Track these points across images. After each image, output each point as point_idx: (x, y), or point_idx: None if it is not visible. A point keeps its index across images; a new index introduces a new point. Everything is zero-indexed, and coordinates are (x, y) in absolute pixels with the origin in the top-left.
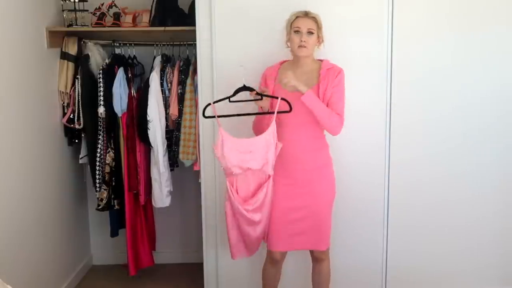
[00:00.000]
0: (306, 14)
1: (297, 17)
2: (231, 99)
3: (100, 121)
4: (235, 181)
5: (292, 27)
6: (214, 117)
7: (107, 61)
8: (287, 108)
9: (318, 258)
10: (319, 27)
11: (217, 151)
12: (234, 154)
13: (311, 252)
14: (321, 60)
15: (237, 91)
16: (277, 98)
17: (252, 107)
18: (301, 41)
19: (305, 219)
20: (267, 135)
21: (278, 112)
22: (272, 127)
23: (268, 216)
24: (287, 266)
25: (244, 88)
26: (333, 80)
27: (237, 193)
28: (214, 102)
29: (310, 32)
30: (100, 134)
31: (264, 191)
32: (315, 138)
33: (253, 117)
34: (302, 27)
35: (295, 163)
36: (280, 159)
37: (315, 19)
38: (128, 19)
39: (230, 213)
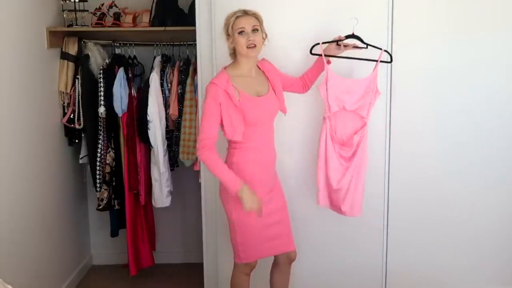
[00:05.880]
0: (245, 12)
1: (237, 17)
2: (339, 43)
3: (101, 121)
4: (333, 122)
5: (235, 29)
6: (320, 55)
7: (107, 61)
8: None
9: (290, 259)
10: (260, 22)
11: (322, 89)
12: (334, 90)
13: (281, 255)
14: None
15: (347, 37)
16: (380, 48)
17: None
18: (249, 40)
19: (279, 222)
20: (369, 80)
21: (381, 61)
22: (375, 74)
23: (359, 177)
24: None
25: (353, 36)
26: (273, 69)
27: (334, 134)
28: (323, 43)
29: (255, 30)
30: (100, 134)
31: (360, 134)
32: (273, 138)
33: None
34: (246, 26)
35: (270, 168)
36: (258, 167)
37: (255, 15)
38: (128, 19)
39: (323, 154)
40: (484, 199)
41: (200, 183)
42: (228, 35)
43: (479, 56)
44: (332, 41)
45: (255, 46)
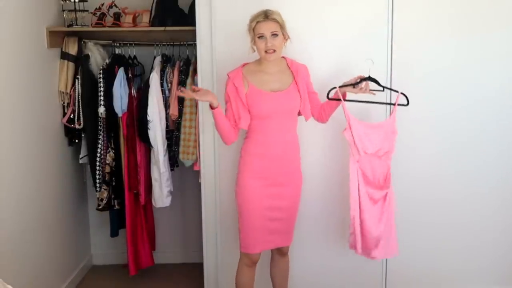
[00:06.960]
0: (266, 17)
1: (257, 22)
2: (356, 86)
3: (100, 121)
4: (362, 164)
5: (255, 34)
6: (339, 99)
7: (107, 61)
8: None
9: (283, 252)
10: (282, 26)
11: (347, 134)
12: (356, 134)
13: (277, 248)
14: (283, 57)
15: (362, 80)
16: (396, 91)
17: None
18: (267, 46)
19: (284, 218)
20: (388, 125)
21: (398, 105)
22: (393, 118)
23: (391, 220)
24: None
25: (369, 78)
26: (307, 76)
27: (365, 176)
28: (339, 87)
29: (274, 35)
30: (100, 134)
31: (387, 178)
32: (294, 137)
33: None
34: (265, 31)
35: (279, 163)
36: (263, 159)
37: (276, 20)
38: (128, 19)
39: (355, 198)
40: (486, 199)
41: (200, 183)
42: (251, 37)
43: (479, 56)
44: (349, 85)
45: (273, 51)
